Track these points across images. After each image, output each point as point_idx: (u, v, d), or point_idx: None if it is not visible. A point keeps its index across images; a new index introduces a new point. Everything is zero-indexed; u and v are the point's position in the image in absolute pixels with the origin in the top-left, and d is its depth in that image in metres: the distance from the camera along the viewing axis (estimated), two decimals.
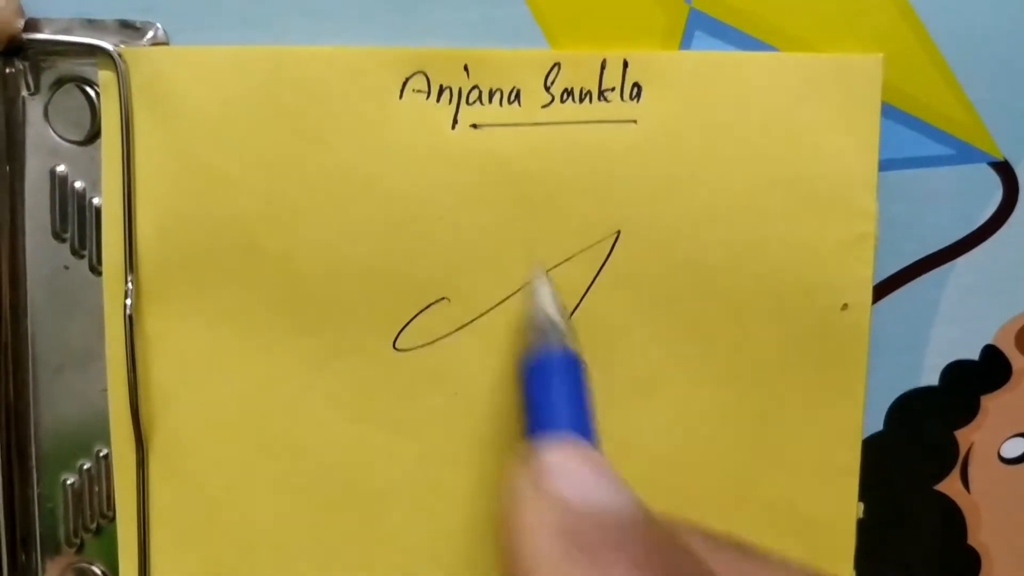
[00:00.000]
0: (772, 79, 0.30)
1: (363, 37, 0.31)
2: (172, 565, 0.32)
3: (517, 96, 0.30)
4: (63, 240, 0.32)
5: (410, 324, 0.31)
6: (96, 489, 0.33)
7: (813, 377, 0.31)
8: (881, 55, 0.30)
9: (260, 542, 0.32)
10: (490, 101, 0.30)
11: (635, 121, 0.30)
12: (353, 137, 0.30)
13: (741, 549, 0.26)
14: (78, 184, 0.32)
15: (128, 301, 0.31)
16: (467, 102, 0.30)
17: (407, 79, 0.30)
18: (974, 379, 0.33)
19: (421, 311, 0.31)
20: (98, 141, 0.31)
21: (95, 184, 0.31)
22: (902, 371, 0.33)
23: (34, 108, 0.31)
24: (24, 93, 0.31)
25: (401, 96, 0.30)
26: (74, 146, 0.31)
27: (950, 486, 0.34)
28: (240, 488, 0.32)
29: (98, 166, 0.31)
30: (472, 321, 0.31)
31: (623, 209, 0.31)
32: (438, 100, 0.30)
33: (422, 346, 0.32)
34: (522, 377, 0.29)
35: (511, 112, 0.30)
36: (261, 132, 0.30)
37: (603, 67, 0.30)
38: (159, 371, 0.32)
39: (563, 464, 0.24)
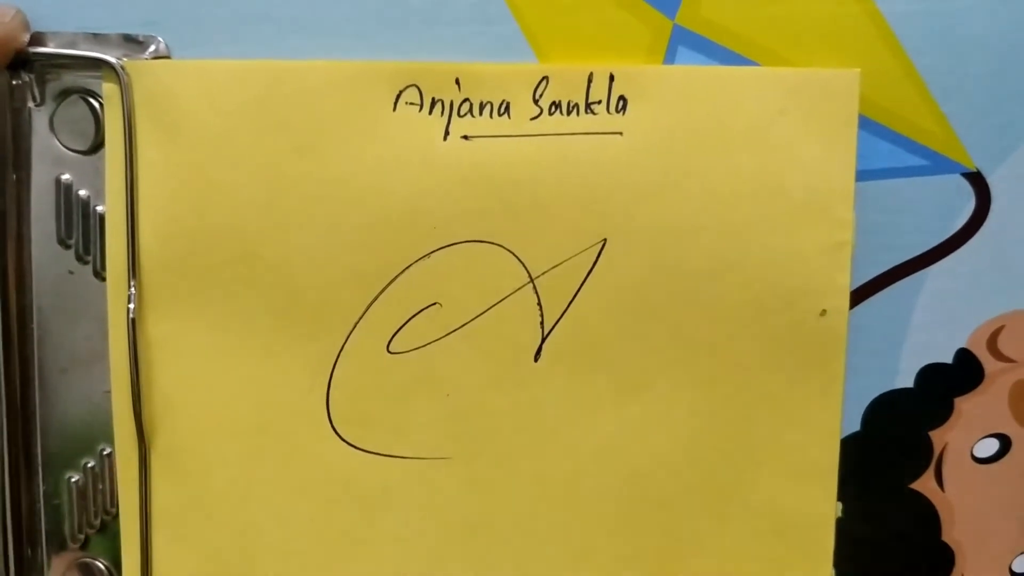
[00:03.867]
0: (753, 93, 0.31)
1: (358, 52, 0.31)
2: (173, 561, 0.33)
3: (507, 109, 0.31)
4: (68, 246, 0.33)
5: (403, 328, 0.32)
6: (100, 487, 0.34)
7: (792, 380, 0.32)
8: (858, 70, 0.31)
9: (259, 540, 0.33)
10: (481, 113, 0.31)
11: (621, 133, 0.31)
12: (348, 148, 0.31)
13: None
14: (82, 192, 0.32)
15: (131, 305, 0.32)
16: (458, 114, 0.31)
17: (400, 92, 0.31)
18: (948, 381, 0.34)
19: (414, 316, 0.32)
20: (102, 151, 0.32)
21: (99, 192, 0.32)
22: (878, 374, 0.34)
23: (40, 119, 0.32)
24: (30, 104, 0.32)
25: (394, 108, 0.31)
26: (79, 155, 0.32)
27: (925, 485, 0.35)
28: (240, 487, 0.33)
29: (102, 175, 0.32)
30: (463, 325, 0.32)
31: (609, 218, 0.32)
32: (430, 112, 0.31)
33: (415, 349, 0.32)
34: None
35: (501, 124, 0.31)
36: (259, 143, 0.31)
37: (590, 81, 0.31)
38: (161, 373, 0.32)
39: None
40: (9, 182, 0.32)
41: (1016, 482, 0.35)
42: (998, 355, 0.34)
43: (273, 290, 0.32)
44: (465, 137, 0.31)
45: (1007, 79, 0.32)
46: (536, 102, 0.31)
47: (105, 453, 0.33)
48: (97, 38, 0.31)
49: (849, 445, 0.34)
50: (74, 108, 0.32)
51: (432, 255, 0.32)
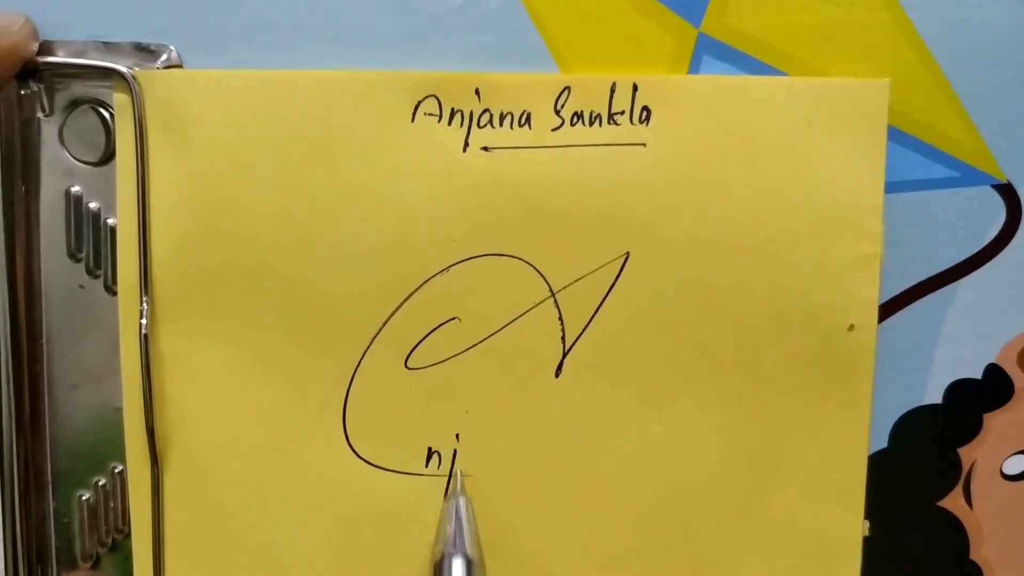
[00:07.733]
0: (780, 103, 0.31)
1: (375, 61, 0.31)
2: None
3: (528, 119, 0.31)
4: (78, 260, 0.32)
5: (422, 343, 0.32)
6: (111, 505, 0.33)
7: (819, 397, 0.32)
8: (888, 79, 0.30)
9: (275, 559, 0.32)
10: (501, 124, 0.31)
11: (644, 144, 0.31)
12: (365, 159, 0.31)
13: None
14: (93, 205, 0.32)
15: (143, 320, 0.31)
16: (478, 125, 0.31)
17: (419, 102, 0.31)
18: (977, 397, 0.34)
19: (433, 331, 0.32)
20: (112, 162, 0.31)
21: (110, 205, 0.32)
22: (906, 389, 0.33)
23: (49, 130, 0.31)
24: (39, 115, 0.31)
25: (413, 119, 0.31)
26: (89, 167, 0.32)
27: (953, 502, 0.34)
28: (255, 506, 0.32)
29: (113, 187, 0.31)
30: (483, 341, 0.32)
31: (632, 231, 0.31)
32: (449, 123, 0.31)
33: (433, 365, 0.32)
34: None
35: (522, 135, 0.31)
36: (274, 154, 0.31)
37: (613, 91, 0.31)
38: (174, 389, 0.32)
39: None
40: (18, 194, 0.32)
41: None
42: None
43: (289, 304, 0.31)
44: (485, 148, 0.31)
45: None
46: (558, 112, 0.31)
47: (116, 471, 0.33)
48: (108, 47, 0.31)
49: (875, 461, 0.33)
50: (84, 118, 0.31)
51: (451, 269, 0.31)
